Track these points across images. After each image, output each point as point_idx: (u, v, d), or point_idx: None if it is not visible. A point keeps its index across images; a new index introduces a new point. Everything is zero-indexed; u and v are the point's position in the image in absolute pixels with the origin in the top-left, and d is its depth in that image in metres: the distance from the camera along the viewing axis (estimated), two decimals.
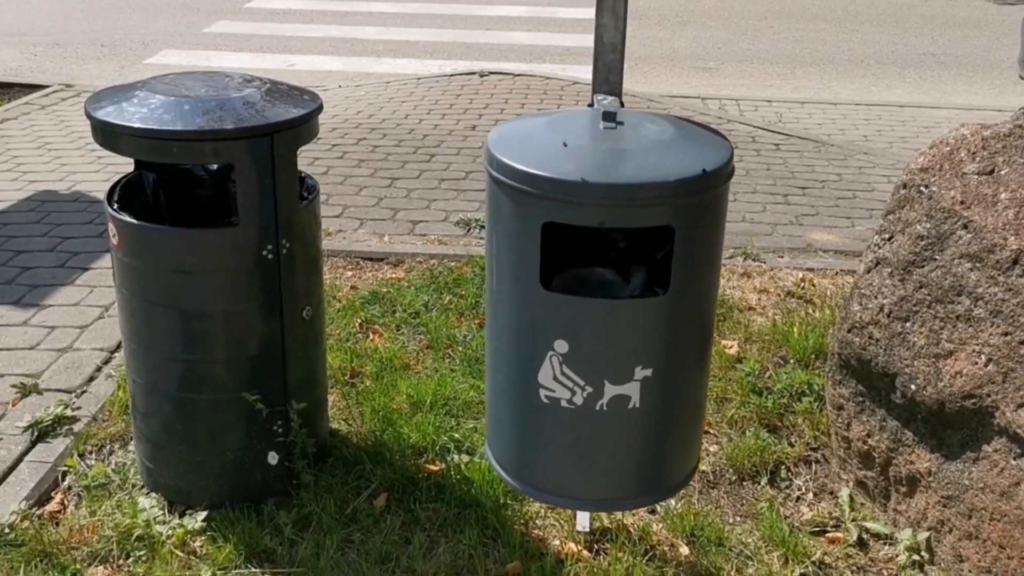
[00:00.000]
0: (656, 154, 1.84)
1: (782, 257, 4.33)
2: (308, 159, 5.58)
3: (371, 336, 3.56)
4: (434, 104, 6.96)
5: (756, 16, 11.28)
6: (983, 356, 2.26)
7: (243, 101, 2.39)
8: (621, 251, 2.21)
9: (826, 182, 5.40)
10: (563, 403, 1.92)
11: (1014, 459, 2.19)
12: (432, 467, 2.81)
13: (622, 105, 2.19)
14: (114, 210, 2.43)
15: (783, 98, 7.86)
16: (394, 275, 4.07)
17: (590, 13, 11.37)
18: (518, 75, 7.96)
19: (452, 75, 8.02)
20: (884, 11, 11.75)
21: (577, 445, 1.96)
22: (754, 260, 4.26)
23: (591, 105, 2.19)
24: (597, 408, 1.91)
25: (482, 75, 7.98)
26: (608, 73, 2.24)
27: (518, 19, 10.81)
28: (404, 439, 2.91)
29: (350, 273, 4.09)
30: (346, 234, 4.49)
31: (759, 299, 3.89)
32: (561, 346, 1.88)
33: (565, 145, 1.84)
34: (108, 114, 2.33)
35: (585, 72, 8.52)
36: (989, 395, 2.24)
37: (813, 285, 4.02)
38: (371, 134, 6.15)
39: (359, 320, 3.64)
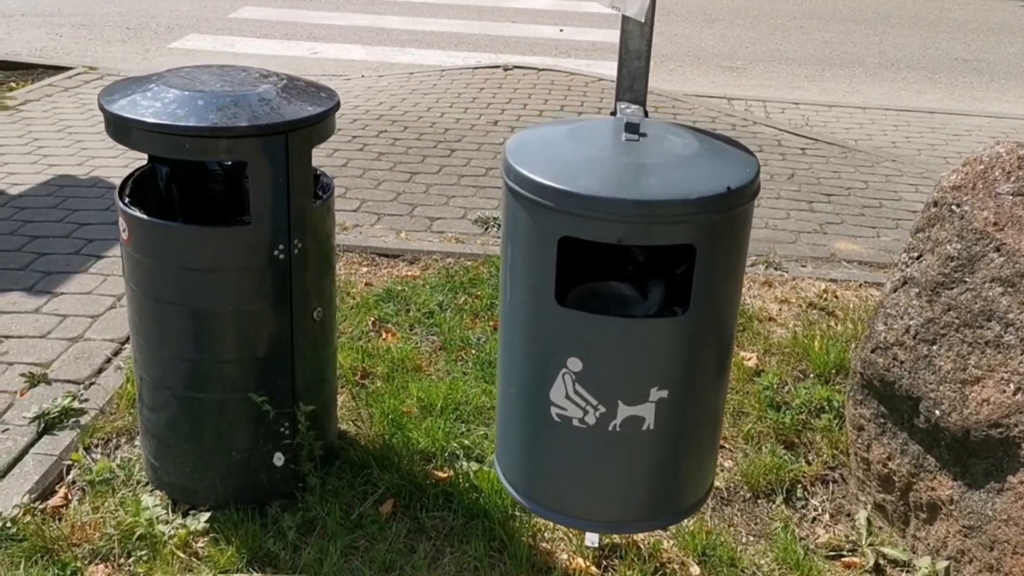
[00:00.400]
0: (679, 169, 1.78)
1: (805, 266, 4.24)
2: (327, 151, 5.54)
3: (384, 335, 3.51)
4: (457, 97, 6.90)
5: (785, 16, 11.13)
6: (1012, 384, 2.18)
7: (259, 98, 2.34)
8: (640, 265, 2.14)
9: (852, 189, 5.30)
10: (575, 422, 1.86)
11: None
12: (440, 474, 2.76)
13: (646, 114, 2.13)
14: (125, 204, 2.39)
15: (810, 100, 7.75)
16: (410, 273, 4.02)
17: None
18: (543, 70, 7.88)
19: (476, 68, 7.95)
20: (916, 14, 11.57)
21: (587, 465, 1.90)
22: (776, 269, 4.18)
23: (614, 113, 2.12)
24: (610, 428, 1.85)
25: (506, 69, 7.91)
26: (632, 80, 2.18)
27: (545, 12, 10.72)
28: (413, 444, 2.86)
29: (365, 269, 4.04)
30: (363, 229, 4.44)
31: (780, 309, 3.81)
32: (575, 364, 1.82)
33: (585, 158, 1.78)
34: (121, 108, 2.28)
35: (610, 69, 8.43)
36: (1017, 424, 2.16)
37: (836, 297, 3.94)
38: (392, 127, 6.10)
39: (372, 318, 3.60)
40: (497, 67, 7.96)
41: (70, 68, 7.50)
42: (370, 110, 6.47)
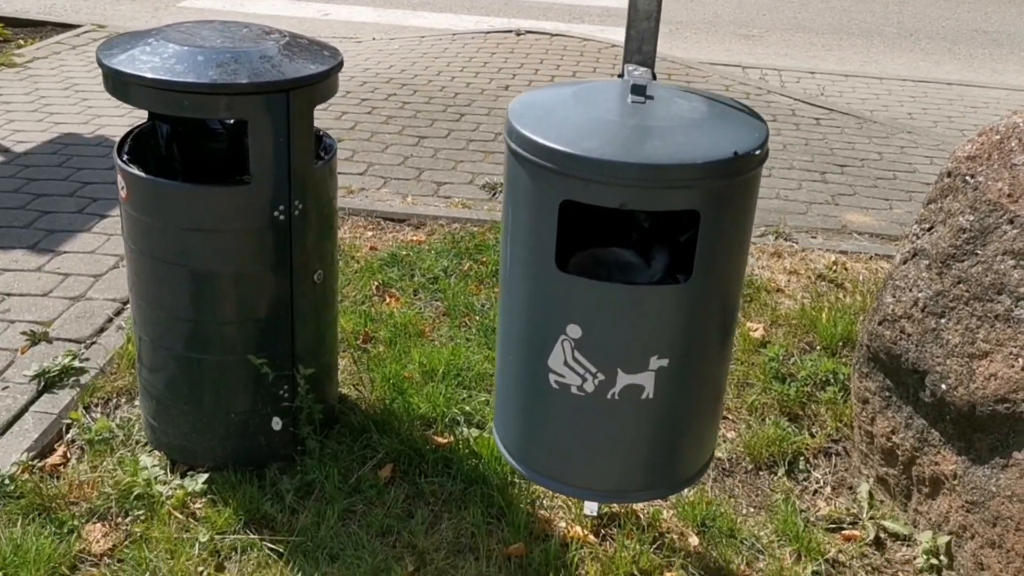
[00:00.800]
0: (685, 133, 1.73)
1: (815, 238, 4.19)
2: (335, 113, 5.49)
3: (387, 300, 3.49)
4: (468, 62, 6.82)
5: None
6: (1021, 359, 2.14)
7: (260, 54, 2.30)
8: (644, 231, 2.10)
9: (866, 160, 5.23)
10: (573, 390, 1.84)
11: None
12: (440, 439, 2.75)
13: (654, 77, 2.07)
14: (123, 161, 2.36)
15: (827, 70, 7.64)
16: (415, 237, 3.98)
17: None
18: (555, 35, 7.78)
19: (488, 32, 7.86)
20: None
21: (585, 434, 1.88)
22: (786, 240, 4.13)
23: (621, 76, 2.07)
24: (608, 397, 1.82)
25: (519, 34, 7.81)
26: (641, 42, 2.12)
27: None
28: (414, 409, 2.85)
29: (370, 233, 4.01)
30: (369, 193, 4.41)
31: (788, 281, 3.77)
32: (574, 331, 1.79)
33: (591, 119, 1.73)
34: (120, 62, 2.24)
35: (622, 35, 8.33)
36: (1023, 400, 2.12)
37: (846, 269, 3.89)
38: (401, 90, 6.04)
39: (376, 283, 3.57)
40: (509, 32, 7.86)
41: (79, 26, 7.45)
42: (380, 73, 6.41)
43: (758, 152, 1.73)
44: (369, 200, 4.31)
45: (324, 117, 5.41)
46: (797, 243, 4.10)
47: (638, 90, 1.84)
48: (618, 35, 8.27)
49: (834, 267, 3.88)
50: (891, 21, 9.38)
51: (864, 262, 3.96)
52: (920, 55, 8.31)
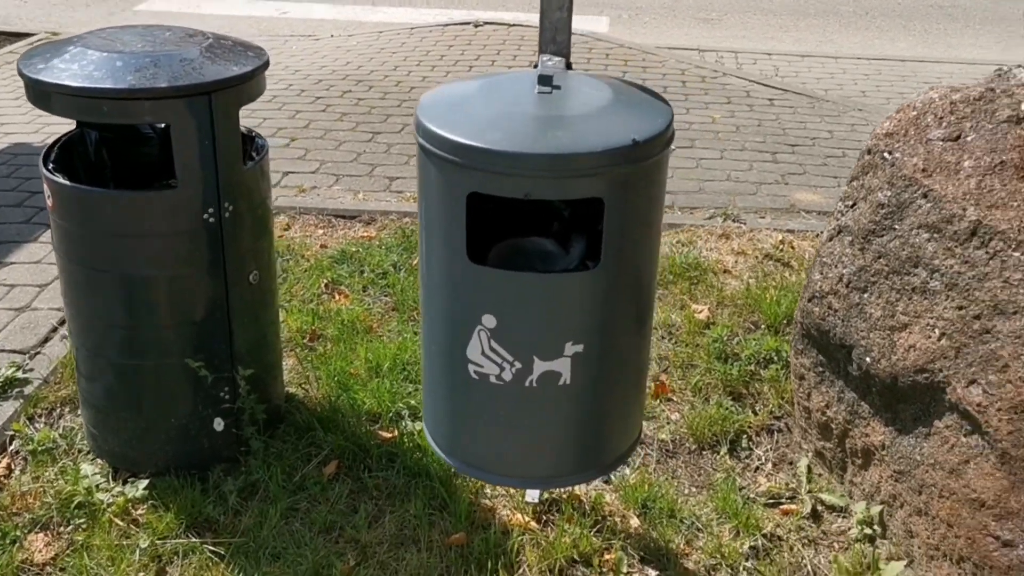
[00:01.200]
0: (588, 122, 1.76)
1: (763, 218, 4.23)
2: (289, 112, 5.49)
3: (336, 297, 3.51)
4: (425, 55, 6.82)
5: None
6: (937, 330, 2.18)
7: (180, 58, 2.30)
8: (564, 220, 2.13)
9: (817, 139, 5.28)
10: (492, 379, 1.86)
11: (964, 436, 2.12)
12: (385, 434, 2.77)
13: (569, 67, 2.10)
14: (48, 170, 2.37)
15: (784, 51, 7.69)
16: (366, 234, 4.00)
17: None
18: (513, 25, 7.78)
19: (447, 25, 7.85)
20: None
21: (507, 422, 1.91)
22: (734, 221, 4.17)
23: (536, 66, 2.09)
24: (527, 384, 1.85)
25: (477, 25, 7.81)
26: (555, 32, 2.14)
27: None
28: (359, 405, 2.87)
29: (321, 232, 4.02)
30: (320, 191, 4.41)
31: (736, 262, 3.81)
32: (489, 320, 1.81)
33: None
34: (39, 71, 2.25)
35: (584, 23, 8.34)
36: (941, 370, 2.17)
37: (792, 247, 3.93)
38: (357, 87, 6.04)
39: (325, 280, 3.58)
40: (467, 24, 7.86)
41: (32, 35, 7.40)
42: (336, 70, 6.40)
43: (659, 138, 1.75)
44: (320, 198, 4.32)
45: (278, 116, 5.41)
46: (745, 224, 4.14)
47: (545, 80, 1.86)
48: (578, 23, 8.29)
49: (781, 246, 3.92)
50: (847, 0, 9.43)
51: (811, 240, 4.00)
52: (876, 33, 8.36)
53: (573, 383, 1.87)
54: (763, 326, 3.32)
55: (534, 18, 8.43)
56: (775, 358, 3.12)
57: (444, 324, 1.89)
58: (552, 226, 2.14)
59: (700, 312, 3.39)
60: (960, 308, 2.14)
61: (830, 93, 6.40)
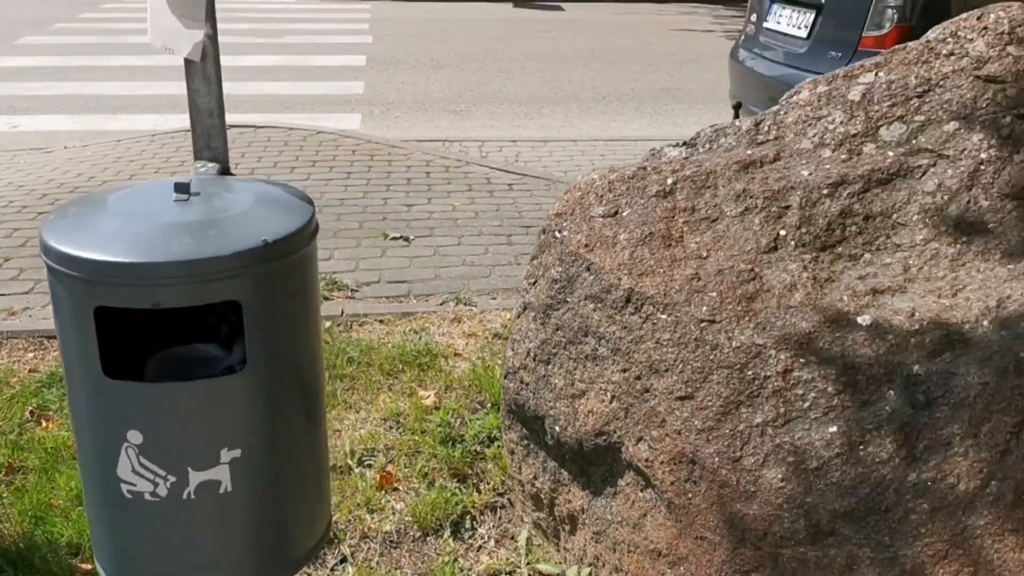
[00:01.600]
0: (220, 227, 1.76)
1: (495, 298, 4.38)
2: (6, 231, 5.16)
3: (43, 423, 3.28)
4: (165, 162, 6.64)
5: (509, 58, 11.62)
6: (608, 393, 2.31)
7: None
8: (232, 324, 2.11)
9: None
10: (147, 496, 1.79)
11: (640, 491, 2.25)
12: (86, 566, 2.59)
13: (227, 171, 2.10)
14: None
15: (528, 137, 8.09)
16: None
17: (342, 60, 11.35)
18: (260, 127, 7.76)
19: (189, 130, 7.72)
20: (627, 50, 12.43)
21: (171, 540, 1.83)
22: (466, 304, 4.29)
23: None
24: (185, 497, 1.79)
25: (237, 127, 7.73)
26: (208, 139, 2.17)
27: (271, 68, 10.61)
28: (56, 538, 2.67)
29: (31, 355, 3.77)
30: (33, 311, 4.15)
31: (466, 344, 3.90)
32: (135, 436, 1.75)
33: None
34: None
35: (335, 121, 8.46)
36: (616, 431, 2.29)
37: None
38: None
39: (31, 407, 3.34)
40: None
41: None
42: (65, 183, 6.11)
43: (294, 237, 1.78)
44: (33, 320, 4.06)
45: None
46: (476, 306, 4.27)
47: (181, 188, 1.86)
48: (327, 121, 8.39)
49: (508, 324, 4.05)
50: (587, 87, 10.11)
51: None
52: (612, 116, 8.99)
53: (235, 489, 1.82)
54: (488, 404, 3.40)
55: (283, 119, 8.47)
56: (498, 435, 3.20)
57: (91, 444, 1.81)
58: (220, 330, 2.11)
59: (427, 398, 3.43)
60: (624, 371, 2.28)
61: (568, 175, 6.78)
